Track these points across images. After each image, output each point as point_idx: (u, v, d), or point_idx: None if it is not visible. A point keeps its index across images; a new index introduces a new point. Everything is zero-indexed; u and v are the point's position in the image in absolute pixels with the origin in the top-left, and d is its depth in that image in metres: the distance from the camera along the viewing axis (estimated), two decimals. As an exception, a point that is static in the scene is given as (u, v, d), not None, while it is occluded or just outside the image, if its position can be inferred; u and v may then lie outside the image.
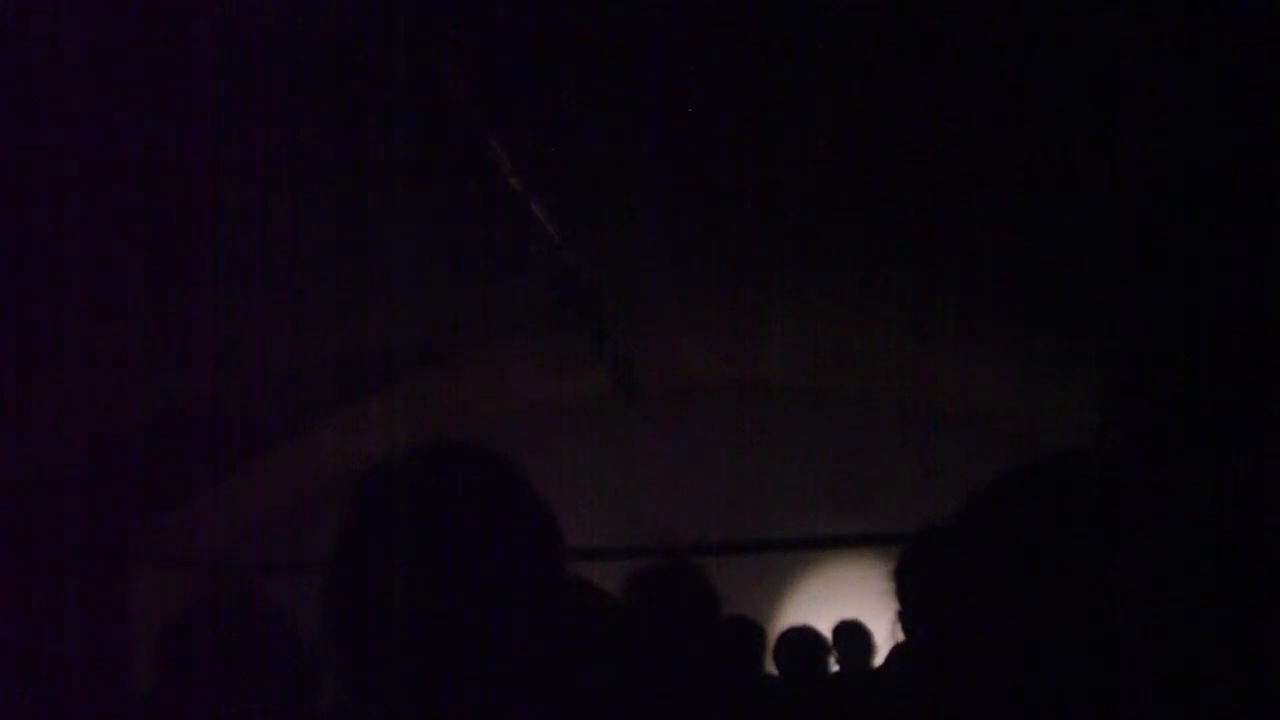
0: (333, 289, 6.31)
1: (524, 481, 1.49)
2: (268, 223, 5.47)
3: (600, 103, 4.90)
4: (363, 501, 1.45)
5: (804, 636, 5.43)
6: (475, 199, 5.41)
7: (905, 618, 3.40)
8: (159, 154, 4.81)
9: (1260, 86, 3.91)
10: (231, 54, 4.21)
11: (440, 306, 6.97)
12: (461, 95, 4.50)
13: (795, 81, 4.69)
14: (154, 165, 4.86)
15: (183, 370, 6.82)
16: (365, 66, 4.41)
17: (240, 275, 5.94)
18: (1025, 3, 4.02)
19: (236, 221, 5.41)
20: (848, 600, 7.60)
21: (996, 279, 6.33)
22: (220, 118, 4.63)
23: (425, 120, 4.76)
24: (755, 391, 8.84)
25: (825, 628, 5.92)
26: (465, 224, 5.81)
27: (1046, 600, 1.46)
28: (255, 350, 6.86)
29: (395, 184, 5.35)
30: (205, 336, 6.51)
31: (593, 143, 5.25)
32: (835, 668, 5.82)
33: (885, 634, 5.39)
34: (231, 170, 5.00)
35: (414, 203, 5.51)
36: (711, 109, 4.94)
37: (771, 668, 5.21)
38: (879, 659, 6.05)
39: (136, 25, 4.02)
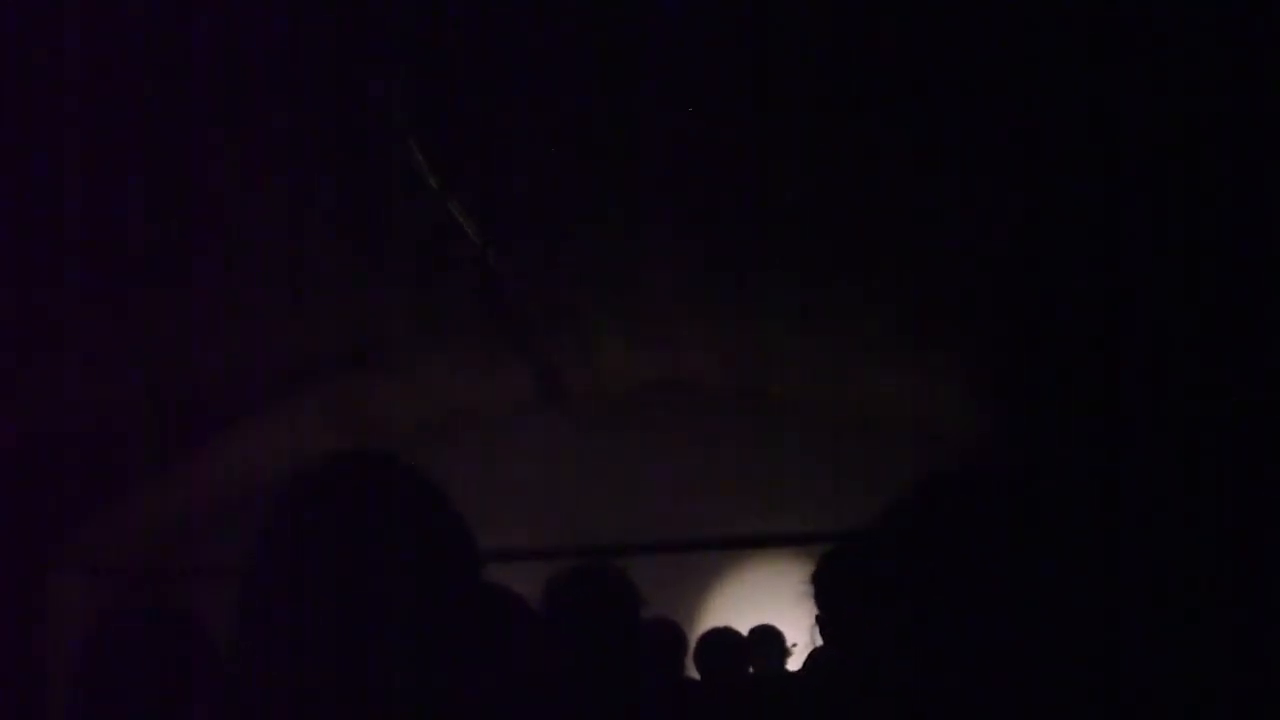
0: (252, 295, 6.24)
1: (438, 491, 1.50)
2: (182, 230, 5.40)
3: (522, 105, 4.89)
4: (277, 511, 1.45)
5: (725, 638, 5.45)
6: (396, 201, 5.37)
7: (823, 622, 3.44)
8: (80, 159, 4.75)
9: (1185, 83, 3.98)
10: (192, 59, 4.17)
11: (362, 311, 6.91)
12: (383, 97, 4.48)
13: (721, 83, 4.70)
14: (67, 172, 4.79)
15: (99, 378, 6.71)
16: (290, 72, 4.38)
17: (156, 283, 5.86)
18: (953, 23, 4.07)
19: (151, 229, 5.34)
20: (769, 601, 7.64)
21: (917, 285, 6.39)
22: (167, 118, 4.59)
23: (346, 122, 4.73)
24: (678, 394, 8.84)
25: (747, 629, 5.94)
26: (387, 227, 5.77)
27: (962, 605, 1.48)
28: (174, 357, 6.77)
29: (315, 187, 5.31)
30: (121, 345, 6.42)
31: (515, 144, 5.23)
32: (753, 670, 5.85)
33: (803, 637, 5.43)
34: (148, 176, 4.94)
35: (334, 205, 5.47)
36: (636, 110, 4.94)
37: (692, 670, 5.22)
38: (794, 663, 6.09)
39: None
